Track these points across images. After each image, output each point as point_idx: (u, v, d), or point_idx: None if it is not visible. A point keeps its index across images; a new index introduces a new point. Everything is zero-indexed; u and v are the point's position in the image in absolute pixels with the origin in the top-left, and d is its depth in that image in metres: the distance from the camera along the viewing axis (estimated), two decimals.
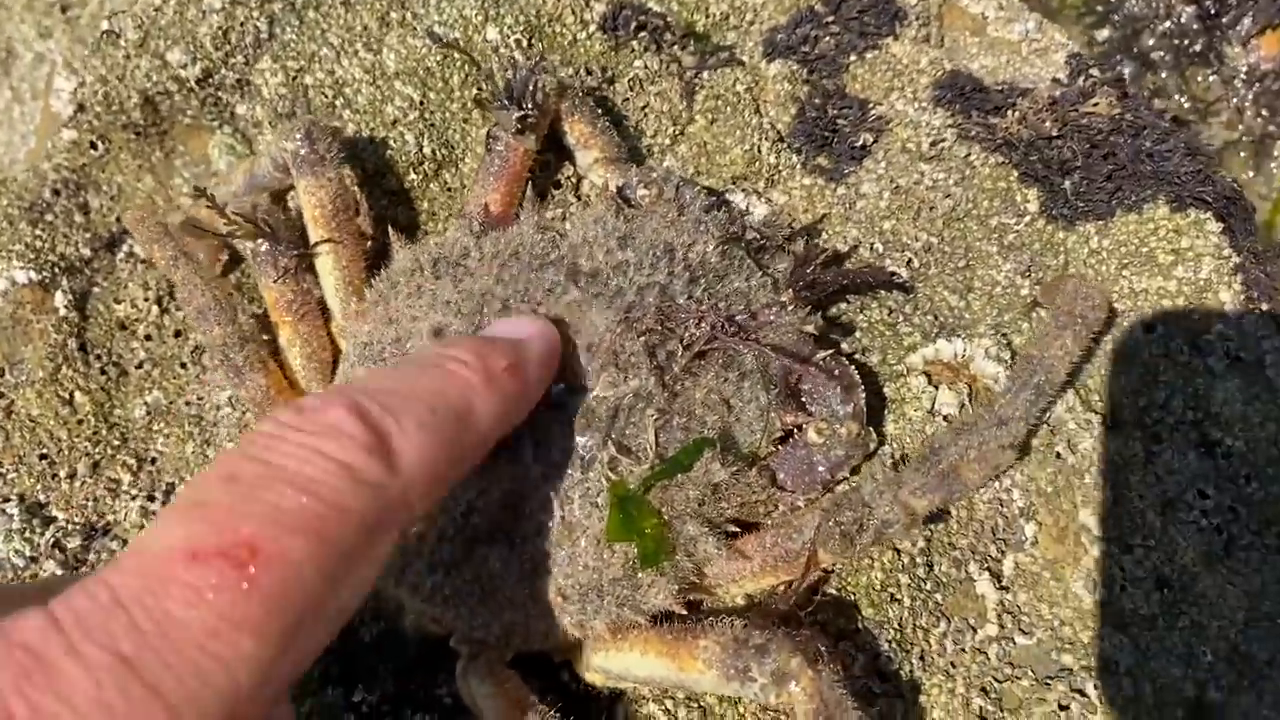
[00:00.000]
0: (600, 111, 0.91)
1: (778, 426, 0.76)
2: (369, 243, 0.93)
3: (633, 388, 0.73)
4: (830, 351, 0.79)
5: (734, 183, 0.95)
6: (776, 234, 0.84)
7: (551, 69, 0.89)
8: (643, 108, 0.97)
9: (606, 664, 0.73)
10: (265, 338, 0.86)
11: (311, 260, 0.84)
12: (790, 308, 0.79)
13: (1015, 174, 0.93)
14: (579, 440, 0.72)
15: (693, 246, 0.80)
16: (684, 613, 0.72)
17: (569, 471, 0.71)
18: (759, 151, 0.96)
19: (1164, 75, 1.23)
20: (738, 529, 0.75)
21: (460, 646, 0.75)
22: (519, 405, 0.68)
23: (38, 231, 1.07)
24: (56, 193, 1.10)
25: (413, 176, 0.94)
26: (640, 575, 0.71)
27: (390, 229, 0.83)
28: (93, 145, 1.11)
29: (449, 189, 0.95)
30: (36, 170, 1.11)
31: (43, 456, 0.96)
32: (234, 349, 0.79)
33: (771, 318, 0.79)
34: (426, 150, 0.94)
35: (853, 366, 0.79)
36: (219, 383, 0.93)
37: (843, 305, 0.89)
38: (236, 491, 0.49)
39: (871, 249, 0.91)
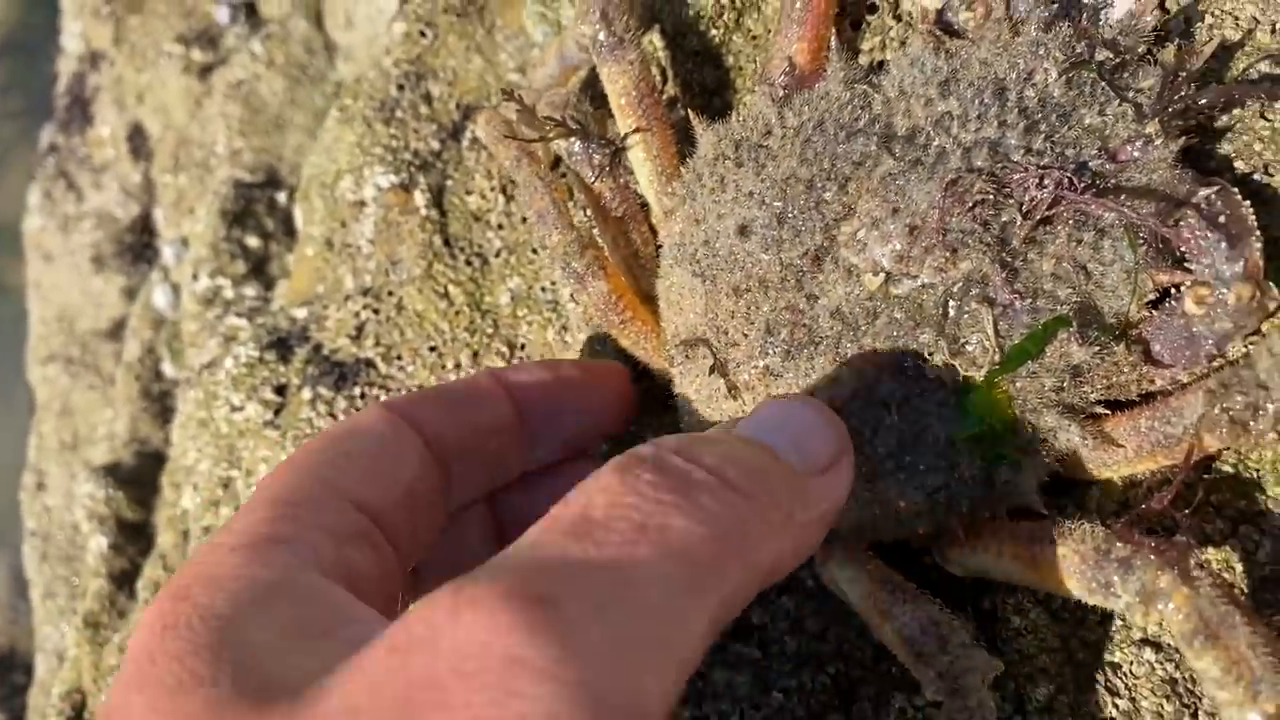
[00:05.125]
0: None
1: (1149, 288, 0.65)
2: (681, 113, 0.89)
3: (963, 271, 0.65)
4: (1215, 189, 0.65)
5: None
6: (1138, 40, 0.69)
7: None
8: None
9: (963, 559, 0.70)
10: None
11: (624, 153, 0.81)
12: (1158, 141, 0.66)
13: None
14: (909, 341, 0.66)
15: (1030, 80, 0.68)
16: (1044, 512, 0.66)
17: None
18: None
19: None
20: (1106, 410, 0.67)
21: None
22: None
23: (392, 130, 1.13)
24: (401, 87, 1.15)
25: (714, 32, 0.87)
26: (992, 473, 0.66)
27: (690, 113, 0.78)
28: (421, 34, 1.14)
29: (753, 37, 0.87)
30: (380, 67, 1.16)
31: (432, 349, 1.05)
32: (574, 256, 0.79)
33: (1135, 154, 0.66)
34: None
35: (1247, 205, 0.64)
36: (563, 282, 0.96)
37: (1235, 111, 0.72)
38: None
39: (1276, 31, 0.72)
